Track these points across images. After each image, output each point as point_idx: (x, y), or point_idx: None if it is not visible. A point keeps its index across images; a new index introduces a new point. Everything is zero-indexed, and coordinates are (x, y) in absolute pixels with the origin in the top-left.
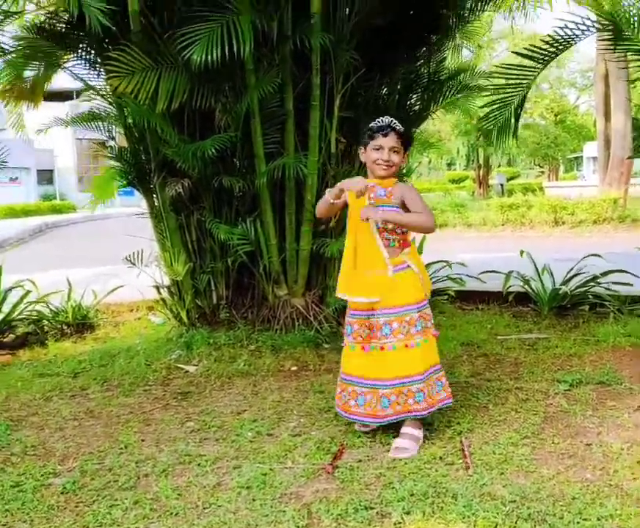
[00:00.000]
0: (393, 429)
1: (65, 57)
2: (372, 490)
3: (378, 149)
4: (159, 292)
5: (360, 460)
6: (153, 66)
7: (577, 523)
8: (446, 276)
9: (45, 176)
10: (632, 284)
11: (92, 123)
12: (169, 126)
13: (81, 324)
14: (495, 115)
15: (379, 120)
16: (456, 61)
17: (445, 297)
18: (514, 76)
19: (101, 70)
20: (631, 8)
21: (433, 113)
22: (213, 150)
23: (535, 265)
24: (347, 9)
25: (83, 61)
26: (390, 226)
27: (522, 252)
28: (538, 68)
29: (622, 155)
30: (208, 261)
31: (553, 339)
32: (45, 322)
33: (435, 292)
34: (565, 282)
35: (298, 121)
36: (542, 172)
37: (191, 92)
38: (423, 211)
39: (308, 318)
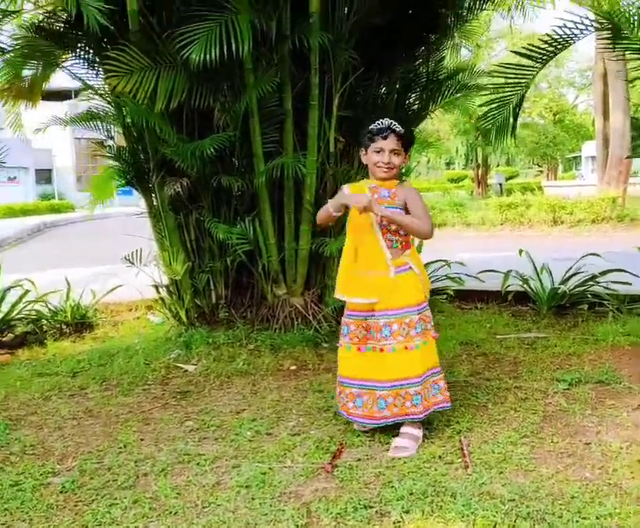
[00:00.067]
0: (392, 428)
1: (64, 56)
2: (371, 489)
3: (378, 152)
4: (158, 292)
5: (359, 459)
6: (152, 65)
7: (577, 521)
8: (445, 276)
9: (44, 175)
10: (631, 284)
11: (90, 123)
12: (168, 125)
13: (80, 323)
14: (494, 114)
15: (379, 122)
16: (454, 60)
17: (444, 296)
18: (513, 75)
19: (100, 69)
20: (630, 7)
21: (432, 112)
22: (212, 150)
23: (534, 265)
24: (346, 9)
25: (81, 61)
26: (393, 227)
27: (521, 251)
28: (536, 67)
29: (621, 155)
30: (207, 260)
31: (552, 339)
32: (44, 321)
33: (434, 292)
34: (564, 281)
35: (297, 120)
36: (541, 172)
37: (189, 91)
38: (424, 217)
39: (307, 317)
